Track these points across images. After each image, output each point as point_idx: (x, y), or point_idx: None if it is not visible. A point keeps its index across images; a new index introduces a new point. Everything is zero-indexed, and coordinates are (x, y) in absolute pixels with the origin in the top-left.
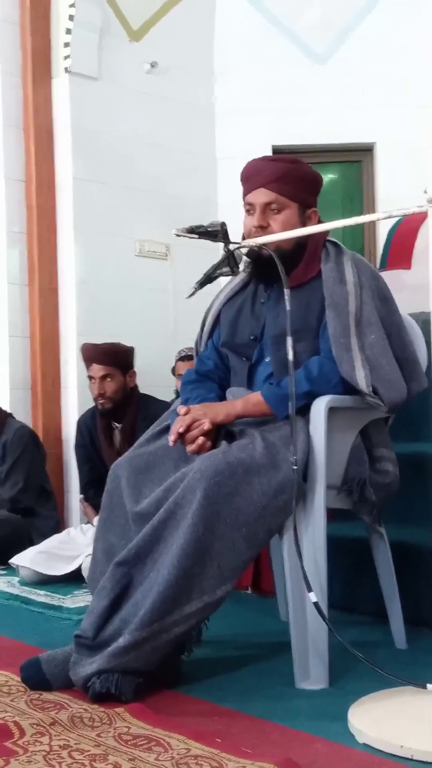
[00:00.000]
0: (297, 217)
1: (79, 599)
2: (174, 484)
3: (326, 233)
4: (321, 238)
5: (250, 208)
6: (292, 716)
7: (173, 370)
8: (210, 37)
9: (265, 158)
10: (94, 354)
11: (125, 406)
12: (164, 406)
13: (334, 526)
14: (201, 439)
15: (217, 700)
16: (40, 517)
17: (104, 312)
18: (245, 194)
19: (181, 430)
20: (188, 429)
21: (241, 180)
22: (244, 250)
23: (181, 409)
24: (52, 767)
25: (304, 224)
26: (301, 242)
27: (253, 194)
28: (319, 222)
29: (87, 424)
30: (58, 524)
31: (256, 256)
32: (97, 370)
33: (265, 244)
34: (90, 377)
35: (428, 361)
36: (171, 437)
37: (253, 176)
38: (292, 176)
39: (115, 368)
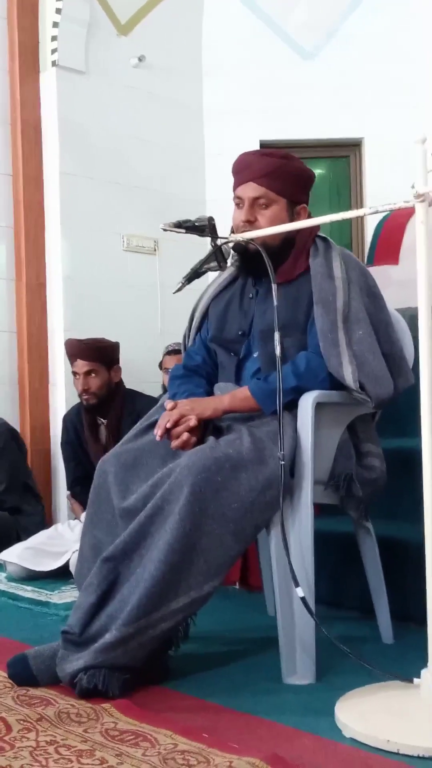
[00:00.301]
0: (285, 213)
1: (67, 595)
2: (161, 479)
3: (316, 229)
4: (310, 233)
5: (239, 202)
6: (279, 711)
7: (161, 365)
8: (198, 32)
9: (256, 152)
10: (78, 349)
11: (110, 401)
12: (150, 401)
13: (321, 521)
14: (185, 435)
15: (204, 696)
16: (25, 513)
17: (92, 307)
18: (235, 187)
19: (168, 425)
20: (175, 424)
21: (232, 172)
22: (231, 245)
23: (168, 404)
24: (39, 763)
25: (292, 220)
26: (289, 238)
27: (242, 188)
28: (308, 217)
29: (72, 420)
30: (43, 520)
31: (243, 250)
32: (82, 365)
33: (252, 239)
34: (74, 373)
35: (415, 357)
36: (158, 432)
37: (243, 170)
38: (282, 172)
39: (99, 364)
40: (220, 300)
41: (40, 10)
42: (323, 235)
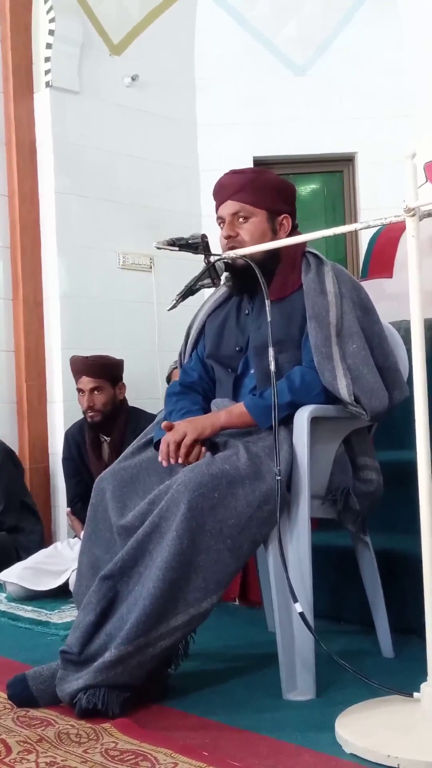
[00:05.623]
0: (266, 224)
1: (66, 614)
2: (158, 496)
3: (304, 243)
4: (297, 247)
5: (221, 222)
6: (280, 728)
7: (168, 379)
8: (190, 50)
9: (229, 172)
10: (83, 366)
11: (114, 418)
12: (154, 419)
13: (319, 535)
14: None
15: (204, 713)
16: (24, 532)
17: (89, 325)
18: (216, 210)
19: (172, 449)
20: (177, 447)
21: (213, 197)
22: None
23: (165, 425)
24: None
25: (275, 231)
26: (273, 252)
27: (221, 208)
28: (293, 228)
29: (75, 437)
30: (43, 538)
31: (230, 267)
32: (87, 382)
33: (245, 256)
34: (79, 390)
35: (409, 369)
36: (164, 462)
37: (219, 191)
38: (255, 185)
39: (104, 380)
40: (216, 316)
41: (34, 31)
42: (315, 251)
